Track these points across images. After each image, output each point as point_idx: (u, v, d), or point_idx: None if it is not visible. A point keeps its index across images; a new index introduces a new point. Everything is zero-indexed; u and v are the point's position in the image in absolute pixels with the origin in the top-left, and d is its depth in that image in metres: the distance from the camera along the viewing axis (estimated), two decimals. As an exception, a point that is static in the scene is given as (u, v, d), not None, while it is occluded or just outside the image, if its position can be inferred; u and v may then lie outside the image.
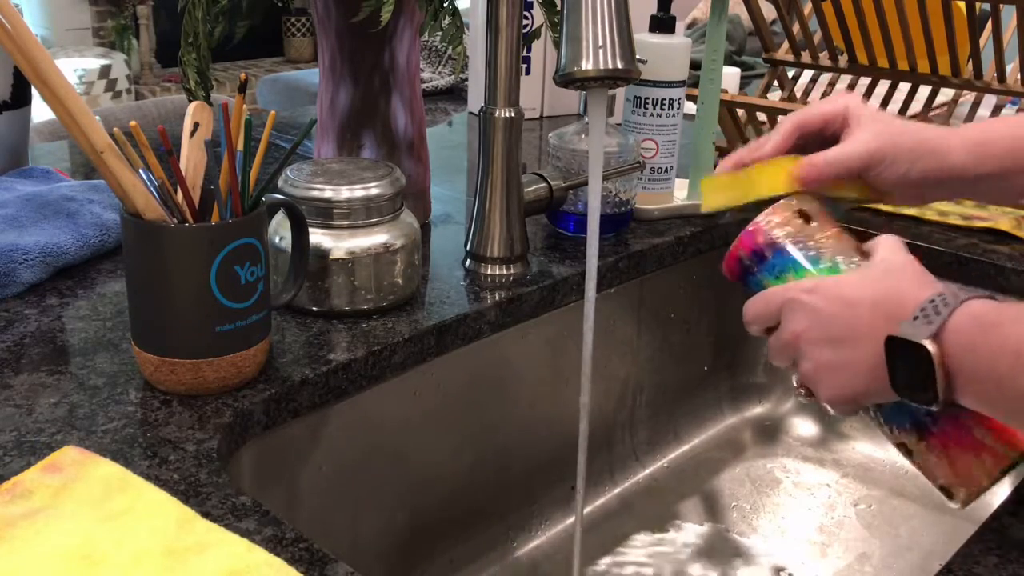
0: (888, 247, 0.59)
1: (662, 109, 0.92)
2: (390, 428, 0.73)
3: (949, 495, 0.58)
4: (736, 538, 0.92)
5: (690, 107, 1.04)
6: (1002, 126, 0.65)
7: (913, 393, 0.51)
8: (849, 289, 0.56)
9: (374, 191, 0.71)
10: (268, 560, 0.47)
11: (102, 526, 0.48)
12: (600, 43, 0.60)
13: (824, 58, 1.15)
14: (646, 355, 0.97)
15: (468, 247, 0.82)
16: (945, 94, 1.26)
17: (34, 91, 0.78)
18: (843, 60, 1.14)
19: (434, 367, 0.74)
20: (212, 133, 0.63)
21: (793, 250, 0.62)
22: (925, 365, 0.49)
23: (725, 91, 1.05)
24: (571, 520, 0.91)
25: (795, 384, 0.61)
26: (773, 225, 0.63)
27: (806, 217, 0.63)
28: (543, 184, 0.86)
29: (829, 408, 0.58)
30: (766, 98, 1.14)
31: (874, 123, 0.64)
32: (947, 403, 0.50)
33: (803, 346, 0.57)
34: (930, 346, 0.49)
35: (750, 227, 0.64)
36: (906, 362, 0.51)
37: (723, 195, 0.70)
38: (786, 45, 1.16)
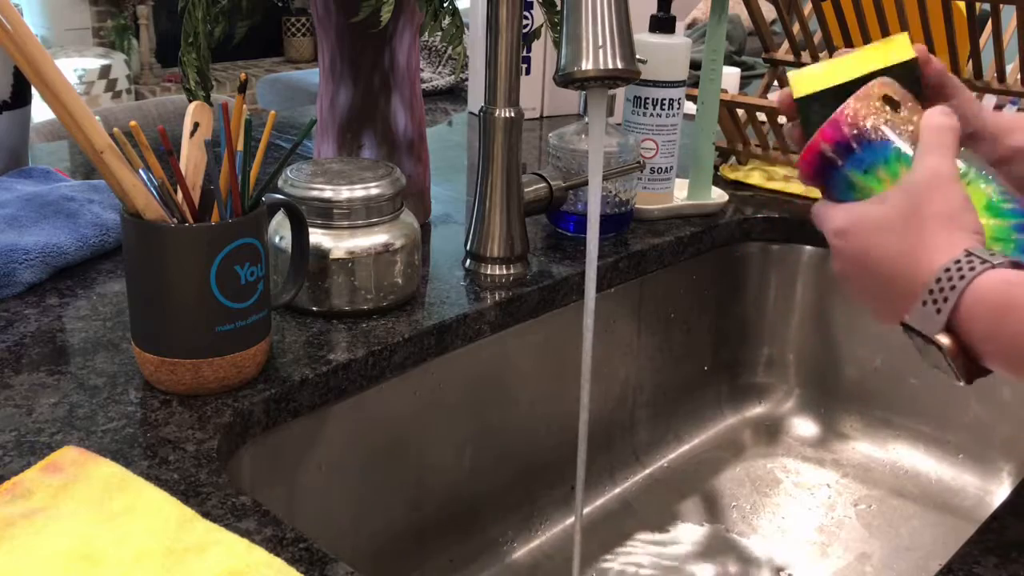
0: (928, 146, 0.55)
1: (662, 109, 0.92)
2: (390, 428, 0.73)
3: None
4: (736, 538, 0.92)
5: (690, 107, 1.04)
6: None
7: (938, 362, 0.51)
8: (871, 240, 0.54)
9: (374, 191, 0.71)
10: (268, 560, 0.47)
11: (102, 526, 0.48)
12: (600, 43, 0.60)
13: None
14: (646, 355, 0.97)
15: (468, 247, 0.82)
16: (945, 94, 1.26)
17: (34, 91, 0.78)
18: (843, 60, 1.14)
19: (434, 367, 0.74)
20: (212, 133, 0.63)
21: (883, 140, 0.58)
22: (941, 351, 0.49)
23: (725, 91, 1.05)
24: (571, 520, 0.91)
25: None
26: (860, 114, 0.58)
27: (894, 104, 0.58)
28: (543, 184, 0.86)
29: None
30: (766, 98, 1.14)
31: None
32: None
33: (845, 280, 0.57)
34: (943, 340, 0.48)
35: (834, 116, 0.59)
36: (924, 345, 0.50)
37: (823, 78, 0.63)
38: (786, 45, 1.16)
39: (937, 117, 0.56)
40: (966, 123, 0.63)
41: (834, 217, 0.57)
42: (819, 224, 0.59)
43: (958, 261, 0.49)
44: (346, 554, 0.72)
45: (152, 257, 0.57)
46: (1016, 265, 0.49)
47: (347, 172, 0.72)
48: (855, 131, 0.58)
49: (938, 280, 0.49)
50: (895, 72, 0.61)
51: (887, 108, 0.58)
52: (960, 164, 0.55)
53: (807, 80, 0.63)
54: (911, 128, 0.57)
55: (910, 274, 0.51)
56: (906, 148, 0.57)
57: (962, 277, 0.48)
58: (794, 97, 0.63)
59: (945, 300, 0.48)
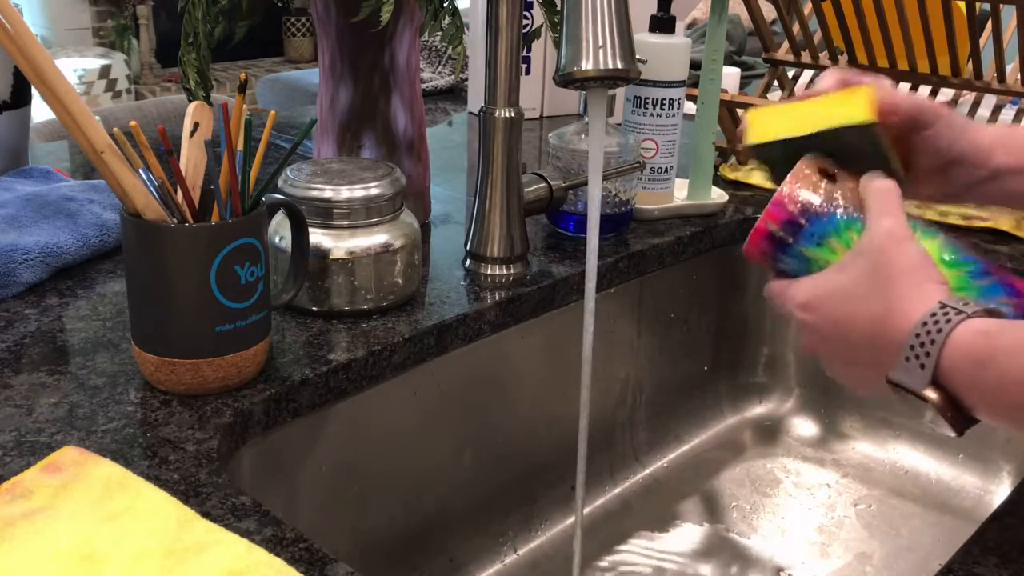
0: (876, 209, 0.56)
1: (662, 109, 0.92)
2: (390, 428, 0.73)
3: None
4: (736, 538, 0.92)
5: (690, 107, 1.04)
6: None
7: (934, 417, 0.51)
8: (840, 309, 0.55)
9: (374, 191, 0.71)
10: (268, 560, 0.47)
11: (102, 526, 0.48)
12: (600, 43, 0.60)
13: (824, 58, 1.15)
14: (646, 355, 0.97)
15: (468, 247, 0.82)
16: (945, 94, 1.26)
17: (34, 91, 0.78)
18: (843, 60, 1.14)
19: (434, 367, 0.74)
20: (212, 133, 0.63)
21: (830, 212, 0.59)
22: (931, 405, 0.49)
23: (725, 91, 1.05)
24: (571, 520, 0.91)
25: None
26: (802, 190, 0.59)
27: (830, 176, 0.59)
28: (543, 184, 0.86)
29: None
30: (766, 98, 1.14)
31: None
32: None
33: (820, 358, 0.58)
34: (930, 395, 0.48)
35: (776, 197, 0.59)
36: (912, 399, 0.50)
37: (776, 126, 0.63)
38: (786, 45, 1.16)
39: (877, 181, 0.58)
40: (947, 149, 0.63)
41: (796, 293, 0.57)
42: (780, 303, 0.59)
43: (934, 314, 0.49)
44: (346, 554, 0.72)
45: (152, 257, 0.57)
46: (990, 312, 0.49)
47: (347, 172, 0.72)
48: (800, 207, 0.58)
49: (917, 335, 0.49)
50: (851, 131, 0.60)
51: (824, 181, 0.59)
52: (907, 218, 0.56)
53: (762, 126, 0.63)
54: (851, 195, 0.58)
55: (887, 333, 0.51)
56: (854, 215, 0.58)
57: (940, 330, 0.48)
58: (748, 143, 0.64)
59: (927, 354, 0.48)
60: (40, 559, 0.46)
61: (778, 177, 0.62)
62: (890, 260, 0.53)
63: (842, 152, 0.61)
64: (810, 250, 0.59)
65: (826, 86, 0.63)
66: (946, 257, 0.56)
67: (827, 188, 0.59)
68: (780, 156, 0.62)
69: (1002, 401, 0.47)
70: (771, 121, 0.63)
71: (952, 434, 0.50)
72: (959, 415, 0.49)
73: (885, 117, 0.60)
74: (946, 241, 0.57)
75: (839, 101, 0.61)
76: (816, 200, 0.59)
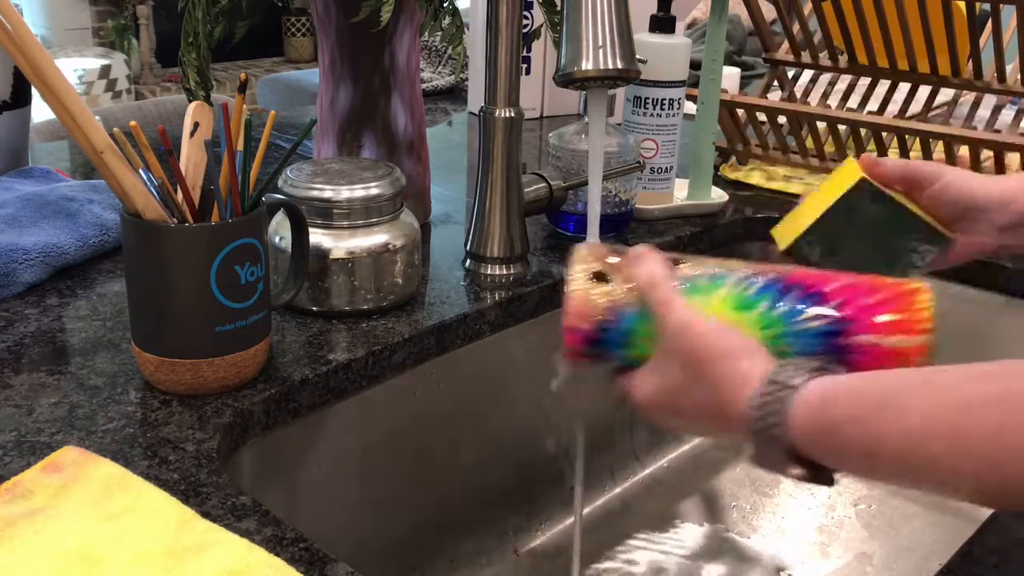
0: (654, 304, 0.55)
1: (662, 109, 0.92)
2: (390, 428, 0.73)
3: None
4: (736, 538, 0.92)
5: (690, 107, 1.04)
6: None
7: None
8: (677, 404, 0.54)
9: (374, 191, 0.71)
10: (268, 560, 0.47)
11: (102, 526, 0.48)
12: (600, 43, 0.60)
13: (824, 58, 1.15)
14: (646, 355, 0.97)
15: (468, 247, 0.82)
16: (945, 94, 1.26)
17: (34, 91, 0.78)
18: (843, 60, 1.14)
19: (434, 367, 0.74)
20: (212, 133, 0.63)
21: (619, 315, 0.57)
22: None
23: (725, 91, 1.05)
24: (571, 520, 0.91)
25: None
26: (585, 307, 0.58)
27: (603, 278, 0.58)
28: (543, 184, 0.86)
29: None
30: (766, 98, 1.14)
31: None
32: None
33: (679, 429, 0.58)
34: (795, 471, 0.48)
35: (564, 324, 0.58)
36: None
37: (793, 224, 0.68)
38: (786, 45, 1.16)
39: (642, 275, 0.56)
40: (958, 201, 0.63)
41: (635, 393, 0.56)
42: (632, 407, 0.58)
43: (764, 394, 0.48)
44: (346, 554, 0.72)
45: (152, 257, 0.57)
46: (817, 371, 0.48)
47: (347, 172, 0.72)
48: (591, 323, 0.57)
49: (757, 420, 0.48)
50: (853, 196, 0.64)
51: (601, 285, 0.58)
52: (686, 287, 0.55)
53: (783, 234, 0.68)
54: (630, 287, 0.57)
55: (730, 423, 0.51)
56: (640, 309, 0.57)
57: (777, 411, 0.48)
58: (781, 251, 0.67)
59: (777, 436, 0.48)
60: (40, 559, 0.46)
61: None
62: (691, 352, 0.52)
63: (871, 223, 0.64)
64: (623, 350, 0.58)
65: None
66: (741, 297, 0.55)
67: (606, 292, 0.57)
68: (817, 250, 0.66)
69: (851, 468, 0.47)
70: (788, 226, 0.68)
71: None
72: (825, 475, 0.48)
73: (871, 169, 0.64)
74: (734, 280, 0.56)
75: (830, 179, 0.67)
76: (602, 310, 0.57)
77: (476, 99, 1.42)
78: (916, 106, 1.16)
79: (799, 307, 0.54)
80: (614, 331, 0.57)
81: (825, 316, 0.53)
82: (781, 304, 0.54)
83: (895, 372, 0.46)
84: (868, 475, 0.48)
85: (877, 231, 0.65)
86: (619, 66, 0.60)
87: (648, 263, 0.56)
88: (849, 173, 0.66)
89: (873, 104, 1.15)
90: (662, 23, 0.91)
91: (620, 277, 0.57)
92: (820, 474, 0.48)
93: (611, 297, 0.57)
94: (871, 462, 0.45)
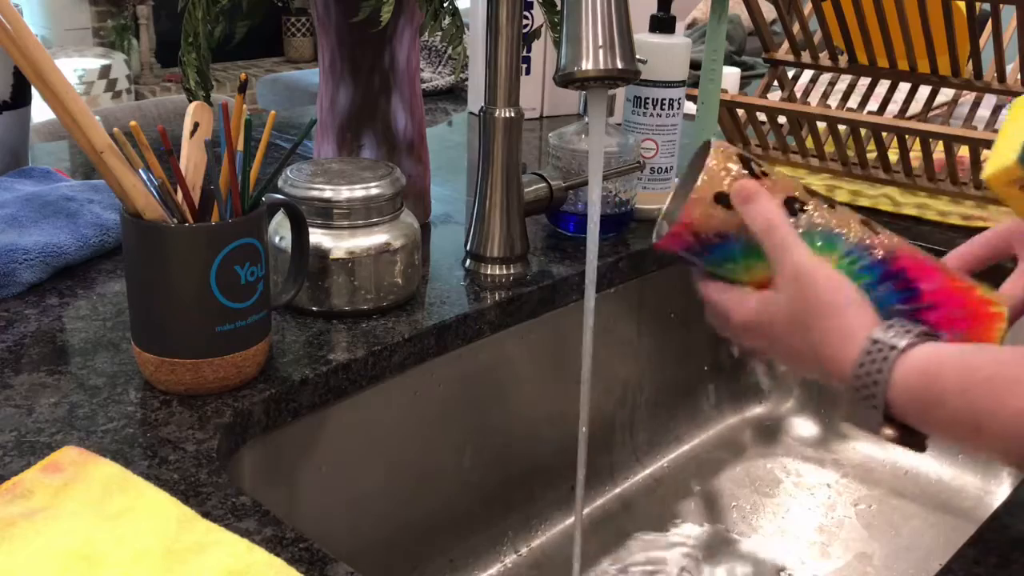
0: (772, 247, 0.55)
1: (662, 109, 0.92)
2: (390, 428, 0.73)
3: None
4: (736, 538, 0.92)
5: (690, 107, 1.04)
6: None
7: None
8: (779, 338, 0.55)
9: (374, 191, 0.71)
10: (268, 560, 0.47)
11: (102, 526, 0.48)
12: (600, 43, 0.60)
13: (824, 58, 1.15)
14: (646, 355, 0.97)
15: (468, 247, 0.82)
16: (945, 94, 1.26)
17: (34, 91, 0.78)
18: (843, 60, 1.14)
19: (434, 367, 0.74)
20: (212, 133, 0.63)
21: (723, 241, 0.58)
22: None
23: (725, 91, 1.05)
24: (571, 520, 0.91)
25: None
26: (696, 220, 0.58)
27: (725, 198, 0.58)
28: (543, 184, 0.86)
29: None
30: (766, 98, 1.14)
31: None
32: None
33: (764, 355, 0.58)
34: (888, 432, 0.48)
35: (675, 230, 0.59)
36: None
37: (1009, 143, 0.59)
38: (786, 45, 1.16)
39: (759, 218, 0.55)
40: None
41: (734, 315, 0.57)
42: (718, 319, 0.59)
43: (869, 352, 0.49)
44: (346, 554, 0.72)
45: (152, 257, 0.57)
46: (924, 336, 0.48)
47: (347, 172, 0.72)
48: (697, 239, 0.58)
49: (857, 377, 0.49)
50: None
51: (719, 207, 0.58)
52: (804, 240, 0.56)
53: (1004, 152, 0.58)
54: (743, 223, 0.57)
55: (830, 371, 0.51)
56: (750, 243, 0.57)
57: (879, 371, 0.48)
58: (997, 175, 0.59)
59: (874, 396, 0.48)
60: (40, 559, 0.46)
61: None
62: (804, 299, 0.53)
63: None
64: (718, 270, 0.59)
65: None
66: (847, 268, 0.56)
67: (720, 216, 0.58)
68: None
69: (948, 438, 0.48)
70: (1000, 152, 0.59)
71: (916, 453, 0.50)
72: (918, 439, 0.49)
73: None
74: (846, 249, 0.57)
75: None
76: (707, 229, 0.58)
77: (476, 99, 1.42)
78: (916, 106, 1.16)
79: (892, 299, 0.55)
80: (717, 252, 0.58)
81: (911, 316, 0.54)
82: (878, 289, 0.55)
83: (1005, 348, 0.46)
84: (968, 447, 0.48)
85: None
86: (619, 66, 0.60)
87: (765, 204, 0.55)
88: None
89: (873, 104, 1.15)
90: (662, 23, 0.91)
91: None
92: (913, 439, 0.48)
93: (724, 224, 0.57)
94: (976, 437, 0.45)
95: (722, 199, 0.57)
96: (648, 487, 0.98)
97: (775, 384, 1.08)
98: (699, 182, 0.58)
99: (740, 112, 1.11)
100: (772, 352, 0.57)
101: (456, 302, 0.76)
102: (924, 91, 1.14)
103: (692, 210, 0.58)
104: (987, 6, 1.00)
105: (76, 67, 3.76)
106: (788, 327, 0.54)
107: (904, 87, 1.15)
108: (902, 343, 0.48)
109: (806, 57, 1.16)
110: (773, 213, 0.55)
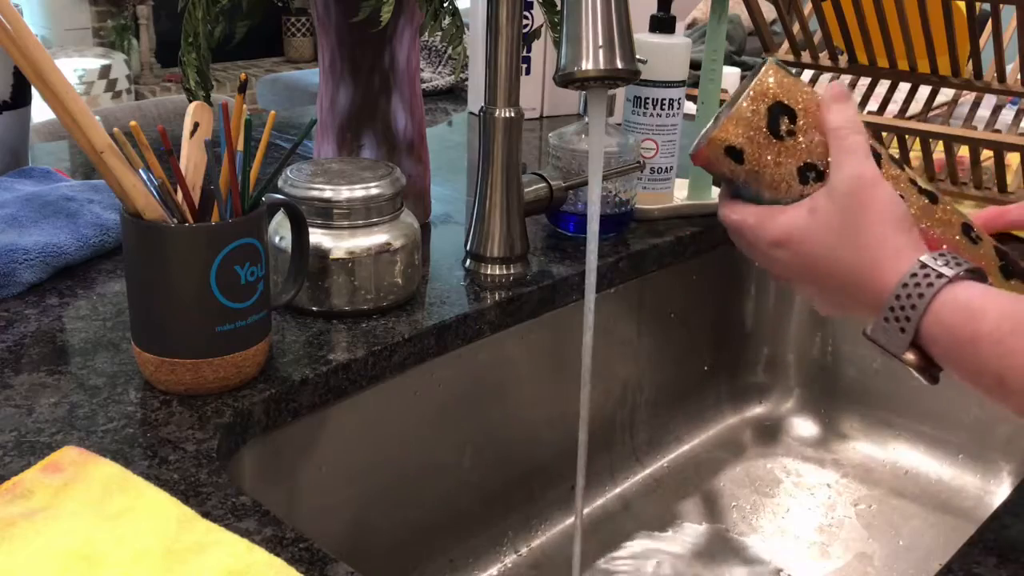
0: (840, 151, 0.53)
1: (662, 109, 0.92)
2: (390, 428, 0.73)
3: None
4: (736, 538, 0.92)
5: (690, 107, 1.04)
6: None
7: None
8: (814, 252, 0.52)
9: (374, 191, 0.71)
10: (268, 560, 0.47)
11: (102, 526, 0.48)
12: (600, 43, 0.60)
13: (824, 58, 1.15)
14: (646, 355, 0.97)
15: (468, 247, 0.82)
16: (945, 94, 1.26)
17: (34, 91, 0.78)
18: (843, 60, 1.14)
19: (434, 367, 0.74)
20: (212, 133, 0.63)
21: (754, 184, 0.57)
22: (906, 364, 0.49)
23: (725, 91, 1.05)
24: (571, 520, 0.91)
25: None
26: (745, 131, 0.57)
27: (777, 128, 0.57)
28: (543, 184, 0.86)
29: None
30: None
31: None
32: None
33: (790, 284, 0.56)
34: (909, 357, 0.48)
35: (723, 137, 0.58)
36: (886, 353, 0.50)
37: None
38: (786, 45, 1.16)
39: (836, 119, 0.54)
40: None
41: (768, 230, 0.55)
42: (746, 235, 0.57)
43: (915, 275, 0.47)
44: (346, 554, 0.72)
45: (152, 257, 0.57)
46: (972, 273, 0.47)
47: (347, 172, 0.72)
48: (733, 173, 0.58)
49: (897, 297, 0.48)
50: None
51: (773, 138, 0.56)
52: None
53: None
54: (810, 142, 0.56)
55: (864, 288, 0.50)
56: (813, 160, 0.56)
57: (921, 295, 0.47)
58: None
59: (908, 319, 0.47)
60: (40, 559, 0.46)
61: None
62: (859, 210, 0.51)
63: None
64: (751, 197, 0.58)
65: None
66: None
67: (777, 151, 0.56)
68: None
69: (972, 381, 0.47)
70: None
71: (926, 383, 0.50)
72: (933, 371, 0.48)
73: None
74: (911, 174, 0.56)
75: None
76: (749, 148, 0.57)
77: (476, 99, 1.42)
78: (916, 106, 1.16)
79: None
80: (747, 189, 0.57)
81: None
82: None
83: None
84: (983, 393, 0.46)
85: None
86: (619, 66, 0.60)
87: (852, 110, 0.54)
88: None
89: (873, 104, 1.15)
90: (662, 23, 0.91)
91: (805, 121, 0.56)
92: (929, 370, 0.47)
93: (774, 169, 0.55)
94: (999, 387, 0.44)
95: (779, 109, 0.56)
96: (648, 487, 0.98)
97: (775, 383, 1.08)
98: (741, 101, 0.57)
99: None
100: (801, 269, 0.54)
101: (456, 302, 0.76)
102: (924, 91, 1.14)
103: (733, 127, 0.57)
104: (987, 6, 1.00)
105: (76, 67, 3.76)
106: (829, 237, 0.51)
107: (904, 87, 1.15)
108: (950, 272, 0.47)
109: (806, 57, 1.16)
110: (855, 121, 0.53)
